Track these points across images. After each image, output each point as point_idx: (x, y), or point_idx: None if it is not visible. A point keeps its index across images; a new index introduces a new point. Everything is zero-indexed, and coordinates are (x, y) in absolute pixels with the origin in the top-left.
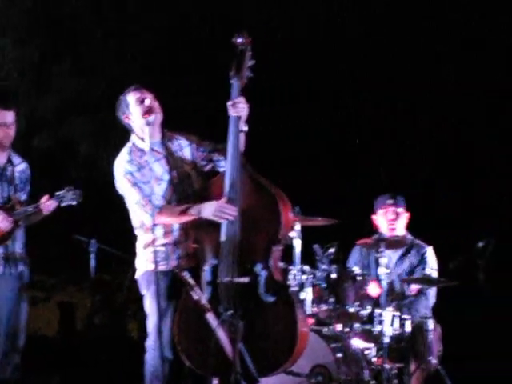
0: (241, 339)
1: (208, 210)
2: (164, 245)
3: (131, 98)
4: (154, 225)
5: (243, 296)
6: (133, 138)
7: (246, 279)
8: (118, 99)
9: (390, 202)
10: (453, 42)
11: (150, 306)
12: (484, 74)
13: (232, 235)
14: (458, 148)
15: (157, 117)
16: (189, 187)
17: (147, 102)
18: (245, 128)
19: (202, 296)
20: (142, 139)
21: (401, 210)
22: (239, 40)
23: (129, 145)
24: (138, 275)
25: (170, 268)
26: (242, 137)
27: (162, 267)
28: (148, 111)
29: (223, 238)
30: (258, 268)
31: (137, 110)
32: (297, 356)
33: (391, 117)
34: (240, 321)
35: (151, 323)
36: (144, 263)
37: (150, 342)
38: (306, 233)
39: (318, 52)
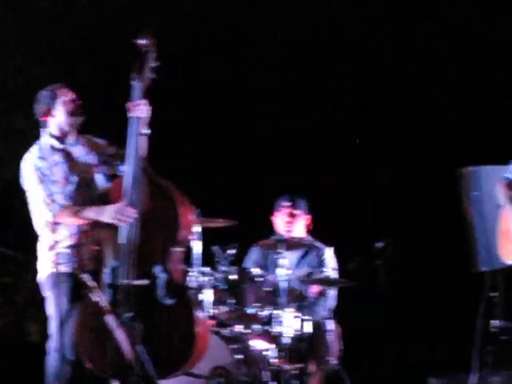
0: (140, 342)
1: (107, 213)
2: (67, 247)
3: (62, 95)
4: (57, 226)
5: (142, 298)
6: (45, 135)
7: (144, 281)
8: (42, 92)
9: (287, 204)
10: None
11: (52, 307)
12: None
13: (131, 238)
14: (352, 149)
15: (80, 120)
16: (93, 191)
17: (77, 103)
18: (146, 131)
19: (101, 298)
20: (56, 137)
21: (298, 212)
22: (142, 42)
23: (41, 141)
24: (40, 277)
25: (72, 270)
26: (144, 140)
27: (65, 269)
28: (78, 113)
29: (122, 240)
30: (157, 270)
31: (65, 109)
32: (196, 358)
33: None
34: (139, 323)
35: (53, 325)
36: (47, 265)
37: (52, 344)
38: (206, 234)
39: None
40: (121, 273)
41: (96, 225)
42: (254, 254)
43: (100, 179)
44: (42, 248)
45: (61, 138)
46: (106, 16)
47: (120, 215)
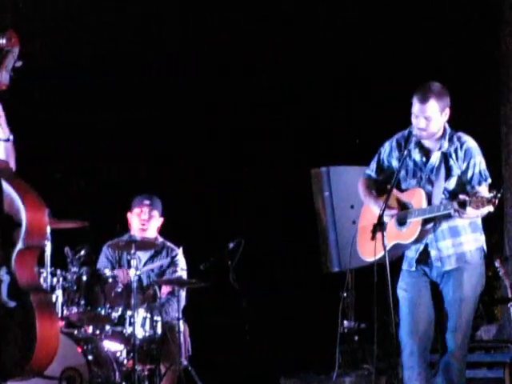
0: None
1: None
2: None
3: None
4: None
5: None
6: None
7: None
8: None
9: (147, 202)
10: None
11: None
12: None
13: None
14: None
15: None
16: None
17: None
18: (10, 137)
19: None
20: None
21: (156, 212)
22: (1, 41)
23: None
24: None
25: None
26: (8, 145)
27: None
28: None
29: None
30: (1, 273)
31: None
32: (41, 360)
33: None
34: None
35: None
36: None
37: None
38: (58, 235)
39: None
40: None
41: None
42: (106, 254)
43: None
44: None
45: None
46: None
47: None
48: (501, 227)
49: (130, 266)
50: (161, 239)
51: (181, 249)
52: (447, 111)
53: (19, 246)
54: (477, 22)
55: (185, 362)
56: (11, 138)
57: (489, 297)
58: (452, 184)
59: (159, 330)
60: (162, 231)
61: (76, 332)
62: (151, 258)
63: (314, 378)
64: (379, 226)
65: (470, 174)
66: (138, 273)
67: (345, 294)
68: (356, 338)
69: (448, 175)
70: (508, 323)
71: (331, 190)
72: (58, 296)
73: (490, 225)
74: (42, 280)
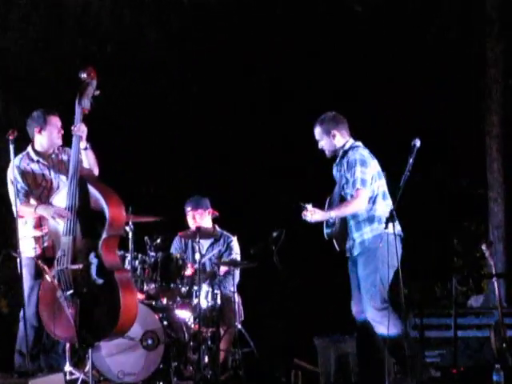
0: (78, 313)
1: (48, 211)
2: (34, 237)
3: (53, 121)
4: (25, 218)
5: (79, 279)
6: (30, 146)
7: (79, 266)
8: (37, 113)
9: (189, 208)
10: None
11: (24, 283)
12: None
13: (69, 232)
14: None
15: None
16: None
17: (60, 131)
18: (87, 146)
19: (53, 279)
20: (35, 151)
21: (202, 211)
22: (83, 75)
23: (26, 150)
24: (20, 258)
25: (35, 255)
26: (88, 153)
27: (31, 254)
28: (58, 138)
29: (62, 234)
30: (91, 257)
31: (53, 133)
32: (124, 324)
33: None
34: (78, 298)
35: (25, 297)
36: (23, 249)
37: (21, 314)
38: (139, 227)
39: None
40: (60, 259)
41: (51, 220)
42: (176, 242)
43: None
44: (19, 234)
45: (39, 152)
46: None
47: (56, 214)
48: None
49: (194, 251)
50: (219, 229)
51: (235, 237)
52: (333, 133)
53: (104, 235)
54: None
55: (239, 326)
56: (88, 146)
57: (477, 273)
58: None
59: (219, 301)
60: (220, 223)
61: (154, 303)
62: (211, 245)
63: (342, 338)
64: (391, 218)
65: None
66: (202, 260)
67: None
68: None
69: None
70: (492, 294)
71: None
72: (140, 275)
73: (479, 217)
74: (126, 262)
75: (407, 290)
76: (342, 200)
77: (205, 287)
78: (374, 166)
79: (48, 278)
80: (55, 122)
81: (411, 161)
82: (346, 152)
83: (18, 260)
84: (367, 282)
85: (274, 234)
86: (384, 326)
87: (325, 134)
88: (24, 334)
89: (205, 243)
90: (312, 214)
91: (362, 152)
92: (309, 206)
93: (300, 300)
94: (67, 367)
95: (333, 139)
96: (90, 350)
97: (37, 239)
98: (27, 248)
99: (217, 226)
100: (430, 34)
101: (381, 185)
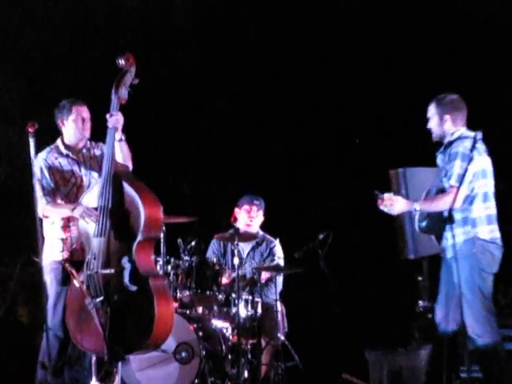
0: (108, 322)
1: (77, 210)
2: (61, 238)
3: (79, 111)
4: (51, 218)
5: (111, 285)
6: (58, 139)
7: (111, 270)
8: (63, 103)
9: (257, 202)
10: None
11: (49, 289)
12: None
13: (100, 233)
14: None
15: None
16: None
17: (87, 122)
18: (122, 137)
19: (82, 284)
20: (65, 145)
21: (261, 212)
22: (121, 62)
23: (53, 144)
24: (43, 263)
25: (62, 259)
26: (122, 145)
27: (57, 258)
28: (84, 130)
29: (93, 236)
30: (124, 261)
31: (75, 125)
32: (158, 336)
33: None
34: (108, 306)
35: (49, 305)
36: (47, 252)
37: (46, 323)
38: (172, 229)
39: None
40: (91, 263)
41: (80, 221)
42: (214, 245)
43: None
44: (46, 236)
45: (69, 146)
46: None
47: (85, 214)
48: None
49: (233, 256)
50: (261, 233)
51: (277, 240)
52: (445, 118)
53: (139, 237)
54: None
55: (282, 338)
56: (123, 137)
57: None
58: None
59: (259, 310)
60: (262, 224)
61: (188, 312)
62: (253, 249)
63: (394, 351)
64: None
65: None
66: (242, 261)
67: (420, 278)
68: (429, 316)
69: None
70: None
71: (407, 188)
72: (173, 281)
73: None
74: (158, 267)
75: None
76: (439, 193)
77: (244, 295)
78: (479, 162)
79: (76, 283)
80: (81, 111)
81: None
82: (451, 142)
83: (43, 265)
84: (465, 290)
85: (321, 237)
86: (483, 338)
87: (437, 115)
88: (46, 346)
89: (245, 247)
90: (391, 204)
91: (468, 145)
92: (386, 195)
93: (349, 309)
94: (93, 382)
95: (443, 124)
96: (119, 364)
97: (64, 241)
98: (54, 251)
99: (259, 230)
100: None
101: (483, 184)
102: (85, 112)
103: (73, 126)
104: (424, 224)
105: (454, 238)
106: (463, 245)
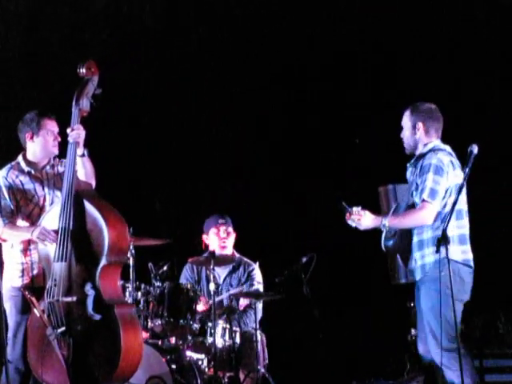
0: (71, 354)
1: (35, 232)
2: (21, 263)
3: (49, 126)
4: (10, 242)
5: (73, 314)
6: (20, 156)
7: (73, 298)
8: (30, 116)
9: (222, 221)
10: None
11: (9, 319)
12: None
13: (61, 258)
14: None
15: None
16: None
17: (57, 138)
18: (84, 152)
19: (42, 313)
20: (27, 161)
21: (231, 229)
22: (82, 70)
23: (14, 162)
24: (3, 289)
25: (23, 285)
26: (85, 161)
27: (18, 284)
28: (54, 146)
29: (54, 260)
30: (87, 288)
31: (48, 140)
32: (125, 370)
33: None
34: (70, 337)
35: (9, 336)
36: (6, 278)
37: (6, 354)
38: (142, 252)
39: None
40: (51, 290)
41: (41, 245)
42: (187, 270)
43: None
44: (4, 261)
45: (31, 163)
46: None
47: (41, 235)
48: None
49: (209, 281)
50: (238, 255)
51: (257, 264)
52: (418, 127)
53: (103, 262)
54: None
55: (262, 370)
56: (86, 153)
57: None
58: None
59: (238, 340)
60: (239, 247)
61: (160, 342)
62: (229, 274)
63: (384, 383)
64: (443, 239)
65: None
66: (218, 287)
67: (411, 304)
68: None
69: None
70: None
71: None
72: (143, 309)
73: None
74: (127, 294)
75: (463, 326)
76: (409, 209)
77: (221, 324)
78: (453, 176)
79: (36, 312)
80: (51, 126)
81: (467, 170)
82: (423, 154)
83: (2, 292)
84: (430, 317)
85: (304, 260)
86: (453, 371)
87: (410, 123)
88: (6, 381)
89: (221, 272)
90: (359, 219)
91: (442, 157)
92: (354, 209)
93: (335, 338)
94: None
95: (415, 133)
96: None
97: (24, 266)
98: (13, 276)
99: (235, 252)
100: None
101: (457, 201)
102: (56, 127)
103: (42, 142)
104: (391, 243)
105: (423, 258)
106: (432, 266)
